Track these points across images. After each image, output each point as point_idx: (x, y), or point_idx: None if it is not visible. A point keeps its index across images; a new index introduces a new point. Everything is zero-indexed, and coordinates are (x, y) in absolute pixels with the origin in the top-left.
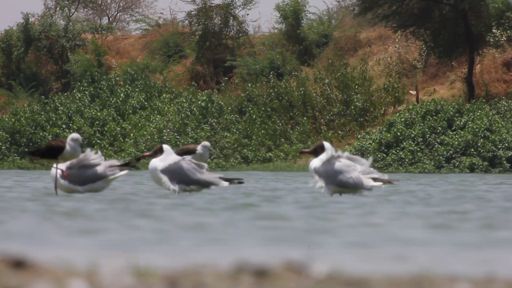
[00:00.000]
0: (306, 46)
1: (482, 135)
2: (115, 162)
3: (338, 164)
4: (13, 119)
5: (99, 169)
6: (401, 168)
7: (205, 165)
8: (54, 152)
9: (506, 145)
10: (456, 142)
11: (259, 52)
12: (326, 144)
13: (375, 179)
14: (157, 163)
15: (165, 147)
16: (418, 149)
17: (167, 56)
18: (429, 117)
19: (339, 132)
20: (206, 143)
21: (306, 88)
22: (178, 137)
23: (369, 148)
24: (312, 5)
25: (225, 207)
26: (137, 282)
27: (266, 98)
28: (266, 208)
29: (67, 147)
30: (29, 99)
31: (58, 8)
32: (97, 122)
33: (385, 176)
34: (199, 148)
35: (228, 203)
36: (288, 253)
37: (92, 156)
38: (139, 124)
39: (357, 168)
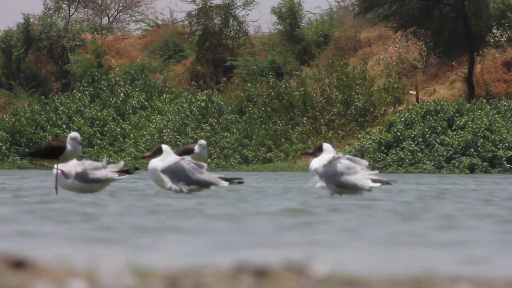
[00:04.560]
0: (305, 46)
1: (482, 135)
2: (115, 167)
3: (338, 165)
4: (13, 119)
5: (100, 171)
6: (401, 168)
7: (205, 165)
8: (55, 153)
9: (506, 145)
10: (456, 142)
11: (259, 52)
12: (325, 145)
13: (373, 180)
14: (157, 163)
15: (164, 147)
16: (418, 149)
17: (167, 56)
18: (429, 117)
19: (339, 132)
20: (202, 141)
21: (306, 88)
22: (178, 137)
23: (369, 148)
24: (313, 5)
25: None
26: (137, 282)
27: (266, 98)
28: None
29: (68, 146)
30: (29, 99)
31: (54, 10)
32: (97, 122)
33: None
34: (196, 147)
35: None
36: (288, 253)
37: (95, 163)
38: (139, 124)
39: (357, 170)
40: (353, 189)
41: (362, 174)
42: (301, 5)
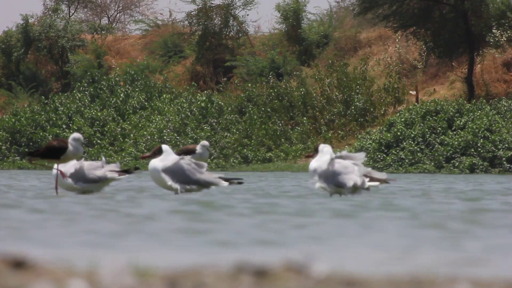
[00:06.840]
0: (306, 47)
1: (482, 135)
2: (115, 167)
3: (336, 166)
4: (13, 119)
5: (100, 171)
6: (401, 168)
7: (205, 165)
8: (56, 153)
9: (506, 145)
10: (456, 142)
11: (259, 52)
12: (320, 146)
13: (372, 179)
14: (157, 163)
15: (165, 147)
16: (418, 149)
17: (167, 57)
18: (429, 117)
19: (339, 132)
20: (205, 142)
21: (306, 88)
22: (178, 137)
23: (369, 148)
24: (313, 6)
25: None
26: (137, 282)
27: (266, 98)
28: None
29: (70, 147)
30: (29, 100)
31: (52, 10)
32: (97, 122)
33: (384, 176)
34: (198, 147)
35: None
36: (288, 253)
37: (95, 163)
38: (139, 125)
39: (355, 169)
40: (352, 188)
41: (360, 173)
42: (305, 5)
